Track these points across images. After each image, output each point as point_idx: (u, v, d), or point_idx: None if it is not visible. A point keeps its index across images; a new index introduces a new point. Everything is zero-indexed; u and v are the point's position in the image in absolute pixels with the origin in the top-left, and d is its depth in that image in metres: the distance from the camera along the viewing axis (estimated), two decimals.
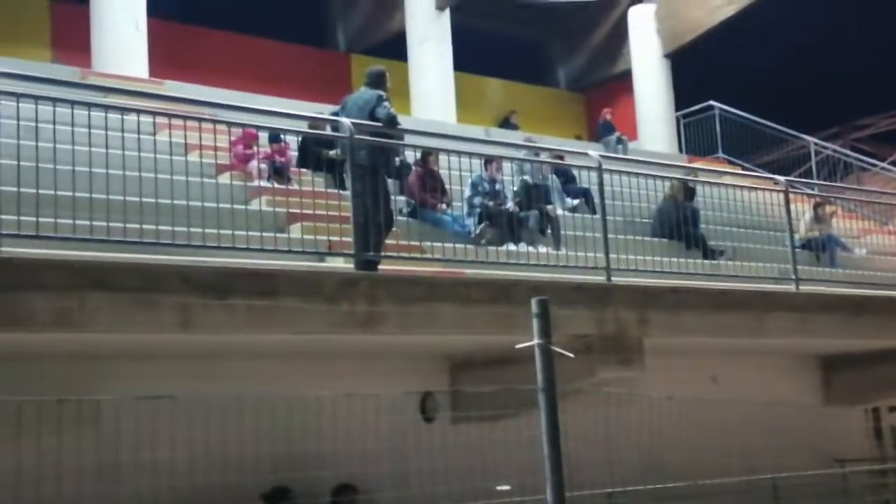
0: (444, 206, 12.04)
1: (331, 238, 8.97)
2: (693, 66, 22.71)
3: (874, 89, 24.86)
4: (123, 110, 8.59)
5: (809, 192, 15.92)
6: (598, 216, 11.05)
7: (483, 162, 12.03)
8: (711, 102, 21.27)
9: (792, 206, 12.70)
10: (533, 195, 12.23)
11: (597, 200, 11.35)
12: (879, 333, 11.27)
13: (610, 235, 10.16)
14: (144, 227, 7.76)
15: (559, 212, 13.02)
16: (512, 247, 11.20)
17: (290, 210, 10.08)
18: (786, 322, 10.57)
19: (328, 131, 11.09)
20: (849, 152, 21.03)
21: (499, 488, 4.18)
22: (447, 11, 20.52)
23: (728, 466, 10.02)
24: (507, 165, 12.28)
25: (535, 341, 4.12)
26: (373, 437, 8.59)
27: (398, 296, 8.27)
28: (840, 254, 14.62)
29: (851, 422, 12.91)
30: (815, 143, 20.46)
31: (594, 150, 12.30)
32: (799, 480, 10.10)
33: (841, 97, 25.24)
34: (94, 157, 8.01)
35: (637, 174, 11.89)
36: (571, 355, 4.18)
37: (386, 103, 9.68)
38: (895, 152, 27.68)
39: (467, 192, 12.04)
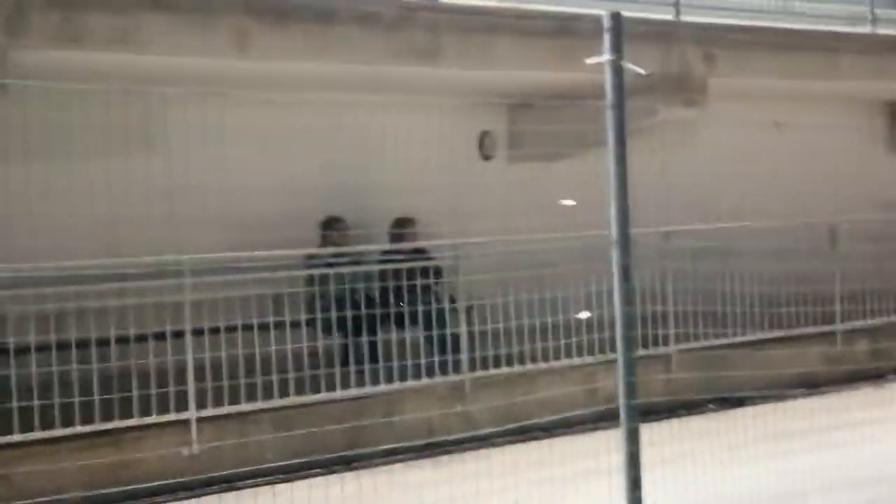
0: None
1: None
2: None
3: None
4: None
5: None
6: None
7: None
8: None
9: None
10: None
11: None
12: None
13: None
14: None
15: None
16: None
17: None
18: (858, 65, 10.21)
19: None
20: None
21: (563, 203, 4.13)
22: None
23: (785, 211, 9.98)
24: None
25: (606, 57, 3.92)
26: (431, 171, 8.58)
27: (458, 26, 8.05)
28: None
29: None
30: None
31: None
32: (855, 225, 10.04)
33: None
34: None
35: None
36: (643, 72, 4.00)
37: None
38: None
39: None
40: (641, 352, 6.39)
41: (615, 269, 3.83)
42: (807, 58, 9.85)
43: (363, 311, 7.47)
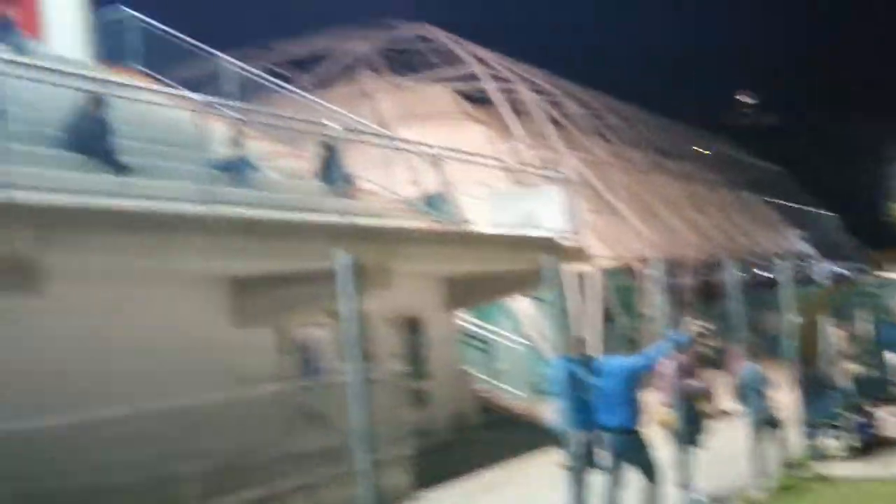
0: None
1: None
2: None
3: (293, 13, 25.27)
4: None
5: (226, 112, 15.51)
6: None
7: None
8: (121, 7, 19.52)
9: (209, 126, 12.40)
10: None
11: None
12: (290, 255, 11.38)
13: (13, 145, 9.06)
14: None
15: None
16: None
17: None
18: (197, 244, 10.23)
19: None
20: (263, 74, 20.72)
21: None
22: None
23: (138, 392, 9.51)
24: None
25: None
26: None
27: None
28: (253, 175, 14.47)
29: (261, 340, 12.97)
30: (231, 63, 19.54)
31: None
32: (206, 404, 9.85)
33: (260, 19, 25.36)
34: None
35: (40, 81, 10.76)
36: None
37: None
38: (307, 77, 28.79)
39: None
40: None
41: None
42: (144, 237, 9.61)
43: None
